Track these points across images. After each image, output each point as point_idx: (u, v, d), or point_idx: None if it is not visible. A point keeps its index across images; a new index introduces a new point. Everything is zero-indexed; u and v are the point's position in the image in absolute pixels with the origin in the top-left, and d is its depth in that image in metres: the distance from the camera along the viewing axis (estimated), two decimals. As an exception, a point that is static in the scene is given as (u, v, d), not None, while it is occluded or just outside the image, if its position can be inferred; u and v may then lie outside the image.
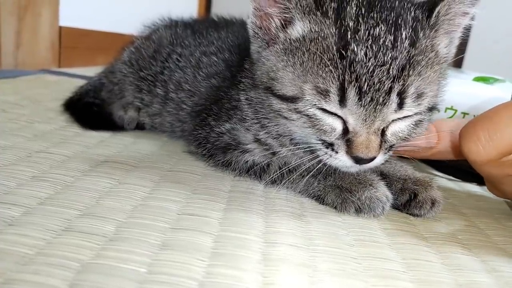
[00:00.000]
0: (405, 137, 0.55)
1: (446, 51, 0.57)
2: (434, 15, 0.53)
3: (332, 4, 0.52)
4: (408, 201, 0.60)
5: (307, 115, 0.53)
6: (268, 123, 0.60)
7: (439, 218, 0.60)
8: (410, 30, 0.50)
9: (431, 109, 0.55)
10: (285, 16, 0.54)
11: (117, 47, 0.99)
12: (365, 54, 0.48)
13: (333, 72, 0.49)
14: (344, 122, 0.52)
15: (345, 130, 0.52)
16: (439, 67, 0.54)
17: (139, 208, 0.51)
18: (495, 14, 2.15)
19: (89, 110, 0.91)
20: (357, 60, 0.48)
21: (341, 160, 0.54)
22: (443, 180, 0.82)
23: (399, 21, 0.50)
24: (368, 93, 0.49)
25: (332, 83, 0.49)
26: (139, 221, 0.47)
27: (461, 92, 0.84)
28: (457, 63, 2.22)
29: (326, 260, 0.45)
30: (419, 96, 0.51)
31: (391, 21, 0.50)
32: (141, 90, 0.86)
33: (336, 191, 0.58)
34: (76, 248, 0.40)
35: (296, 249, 0.46)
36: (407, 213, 0.61)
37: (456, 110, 0.85)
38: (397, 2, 0.53)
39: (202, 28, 0.88)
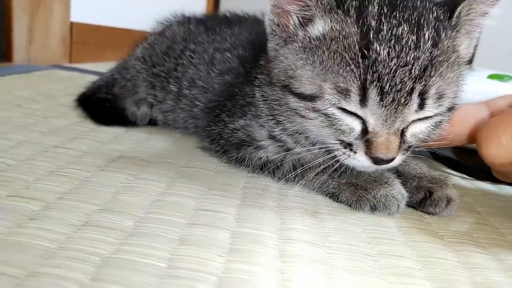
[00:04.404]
0: (424, 138, 0.55)
1: (466, 52, 0.56)
2: (455, 16, 0.52)
3: (354, 2, 0.51)
4: (423, 199, 0.59)
5: (326, 114, 0.52)
6: (283, 120, 0.60)
7: (454, 217, 0.60)
8: (433, 31, 0.50)
9: (450, 109, 0.55)
10: (304, 14, 0.53)
11: (127, 43, 0.99)
12: (388, 54, 0.48)
13: (354, 71, 0.48)
14: (363, 122, 0.52)
15: (364, 131, 0.52)
16: (458, 68, 0.53)
17: (156, 203, 0.51)
18: (507, 12, 2.12)
19: (102, 105, 0.92)
20: (379, 59, 0.48)
21: (360, 160, 0.53)
22: (457, 179, 0.82)
23: (422, 21, 0.50)
24: (389, 93, 0.48)
25: (354, 82, 0.49)
26: (157, 216, 0.48)
27: (476, 90, 0.83)
28: (468, 61, 2.19)
29: (342, 257, 0.45)
30: (440, 97, 0.51)
31: (413, 21, 0.50)
32: (154, 87, 0.86)
33: (351, 189, 0.58)
34: (96, 243, 0.41)
35: (312, 246, 0.46)
36: (422, 211, 0.60)
37: (470, 108, 0.84)
38: (418, 2, 0.52)
39: (215, 24, 0.88)
